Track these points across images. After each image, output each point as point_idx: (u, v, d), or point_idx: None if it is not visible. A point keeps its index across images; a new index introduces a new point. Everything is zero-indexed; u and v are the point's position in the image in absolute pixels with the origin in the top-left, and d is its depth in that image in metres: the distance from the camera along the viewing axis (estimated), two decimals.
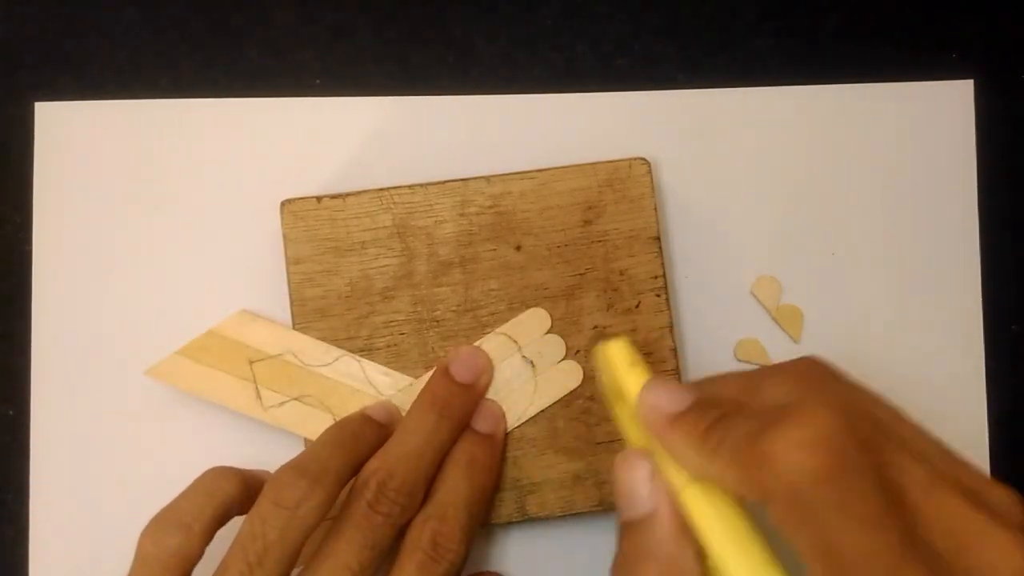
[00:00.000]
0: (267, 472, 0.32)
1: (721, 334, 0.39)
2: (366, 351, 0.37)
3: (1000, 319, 0.40)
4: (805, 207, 0.40)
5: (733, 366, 0.39)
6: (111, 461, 0.38)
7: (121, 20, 0.40)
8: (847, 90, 0.41)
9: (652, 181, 0.38)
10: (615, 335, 0.34)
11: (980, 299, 0.40)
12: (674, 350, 0.37)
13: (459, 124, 0.40)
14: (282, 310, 0.37)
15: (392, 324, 0.37)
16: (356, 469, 0.32)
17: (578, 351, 0.37)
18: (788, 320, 0.40)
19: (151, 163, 0.39)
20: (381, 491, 0.31)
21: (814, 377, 0.28)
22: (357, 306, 0.37)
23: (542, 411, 0.37)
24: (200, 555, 0.30)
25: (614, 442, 0.36)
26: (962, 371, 0.40)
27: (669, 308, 0.37)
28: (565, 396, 0.37)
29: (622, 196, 0.37)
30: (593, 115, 0.40)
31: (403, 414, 0.35)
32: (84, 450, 0.38)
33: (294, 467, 0.31)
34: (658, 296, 0.37)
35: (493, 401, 0.36)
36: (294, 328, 0.37)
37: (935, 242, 0.40)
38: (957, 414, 0.40)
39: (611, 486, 0.30)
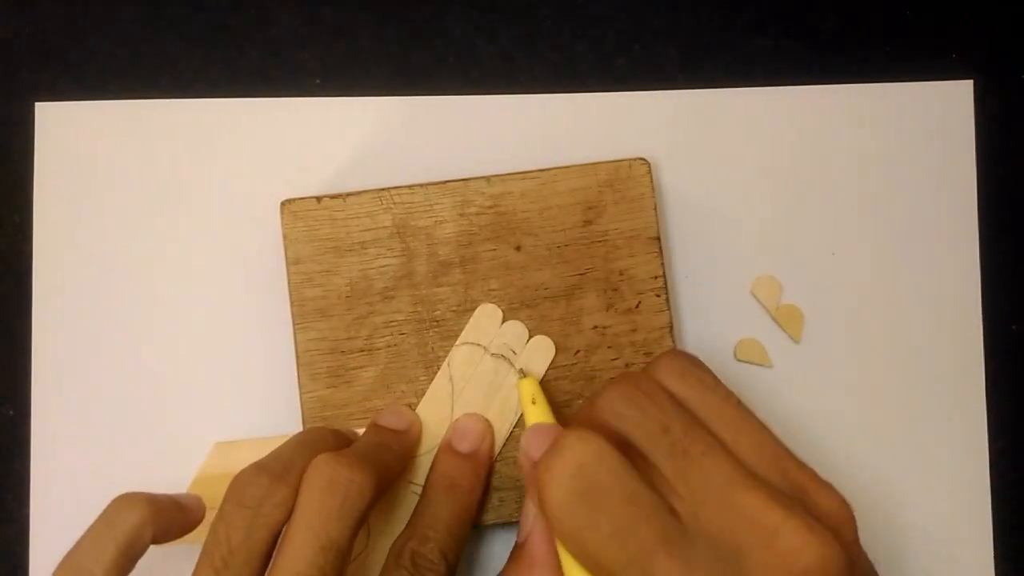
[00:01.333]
0: (179, 495, 0.32)
1: (721, 334, 0.39)
2: (366, 351, 0.37)
3: (1000, 319, 0.40)
4: (805, 207, 0.40)
5: (733, 366, 0.39)
6: (111, 461, 0.38)
7: (121, 20, 0.40)
8: (847, 90, 0.41)
9: (652, 181, 0.38)
10: (526, 376, 0.35)
11: (980, 299, 0.40)
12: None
13: (459, 124, 0.40)
14: (282, 310, 0.37)
15: (392, 324, 0.37)
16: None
17: (578, 351, 0.37)
18: (788, 320, 0.40)
19: (151, 163, 0.39)
20: (417, 562, 0.31)
21: (603, 394, 0.30)
22: (357, 306, 0.37)
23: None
24: None
25: None
26: (962, 371, 0.40)
27: (669, 308, 0.37)
28: (564, 397, 0.37)
29: (622, 196, 0.37)
30: (593, 115, 0.40)
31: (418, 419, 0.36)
32: (84, 450, 0.38)
33: (255, 466, 0.30)
34: (658, 296, 0.37)
35: (475, 416, 0.36)
36: (295, 328, 0.36)
37: (935, 242, 0.40)
38: (957, 414, 0.40)
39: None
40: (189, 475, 0.35)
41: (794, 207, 0.40)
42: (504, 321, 0.37)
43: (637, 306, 0.37)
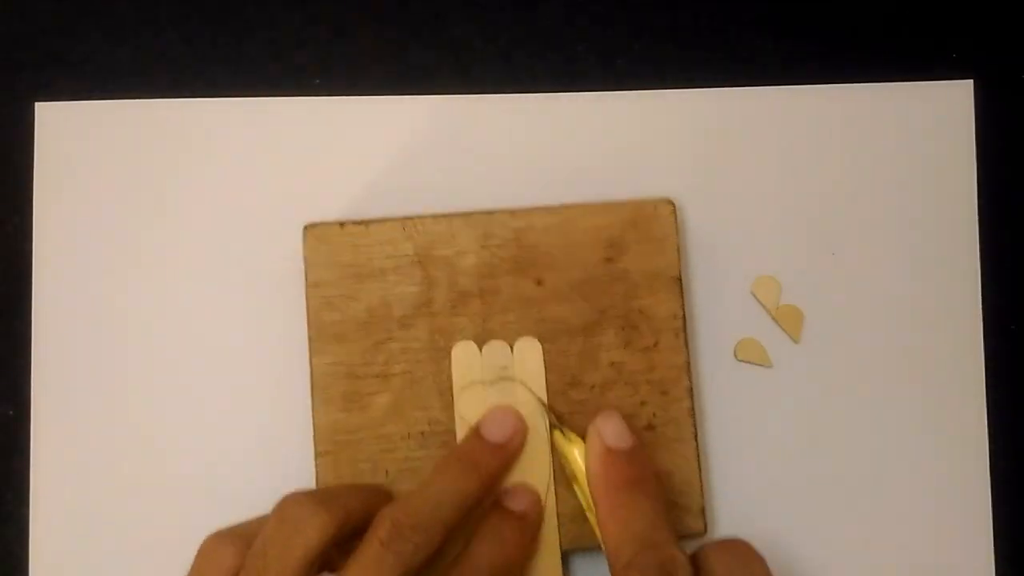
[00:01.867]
0: (264, 516, 0.32)
1: (721, 334, 0.39)
2: (381, 377, 0.36)
3: (1000, 319, 0.40)
4: (805, 207, 0.40)
5: (733, 366, 0.39)
6: (111, 461, 0.38)
7: (121, 20, 0.40)
8: (847, 90, 0.41)
9: (676, 222, 0.37)
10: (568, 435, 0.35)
11: (980, 299, 0.40)
12: (690, 389, 0.37)
13: (459, 124, 0.40)
14: (287, 319, 0.37)
15: (408, 351, 0.37)
16: (467, 509, 0.33)
17: (594, 386, 0.37)
18: (788, 320, 0.40)
19: (151, 163, 0.39)
20: (396, 529, 0.31)
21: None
22: (374, 332, 0.36)
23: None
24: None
25: None
26: (962, 371, 0.40)
27: (687, 348, 0.37)
28: (579, 432, 0.36)
29: (646, 236, 0.37)
30: (593, 115, 0.40)
31: (524, 421, 0.36)
32: (84, 450, 0.38)
33: (305, 492, 0.32)
34: (676, 336, 0.37)
35: (528, 484, 0.36)
36: (311, 351, 0.36)
37: (935, 242, 0.40)
38: (957, 414, 0.40)
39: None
40: (189, 474, 0.35)
41: (794, 207, 0.40)
42: (482, 347, 0.37)
43: (655, 344, 0.37)
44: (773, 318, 0.40)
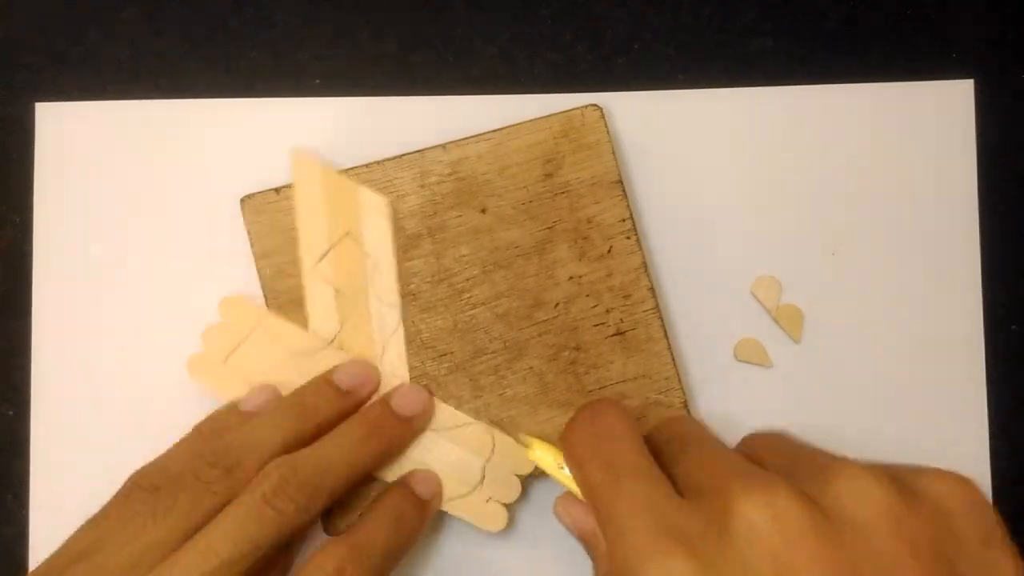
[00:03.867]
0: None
1: (721, 334, 0.39)
2: None
3: (1000, 319, 0.40)
4: (805, 207, 0.40)
5: (733, 366, 0.39)
6: (111, 461, 0.38)
7: (121, 20, 0.40)
8: (847, 90, 0.41)
9: (606, 126, 0.38)
10: (533, 443, 0.34)
11: (980, 299, 0.40)
12: (651, 289, 0.37)
13: (459, 124, 0.40)
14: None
15: None
16: (297, 447, 0.32)
17: (557, 304, 0.37)
18: (788, 320, 0.40)
19: (151, 163, 0.39)
20: (281, 484, 0.30)
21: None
22: None
23: (530, 368, 0.37)
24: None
25: (605, 388, 0.37)
26: (962, 371, 0.40)
27: (641, 248, 0.37)
28: (551, 351, 0.37)
29: (579, 145, 0.38)
30: None
31: (376, 370, 0.36)
32: (84, 450, 0.38)
33: (221, 444, 0.32)
34: (628, 238, 0.37)
35: (434, 474, 0.35)
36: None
37: (935, 242, 0.40)
38: (957, 414, 0.40)
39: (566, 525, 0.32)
40: None
41: (794, 207, 0.40)
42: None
43: (609, 251, 0.37)
44: (773, 318, 0.40)
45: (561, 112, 0.38)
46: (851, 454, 0.39)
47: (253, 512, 0.30)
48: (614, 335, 0.37)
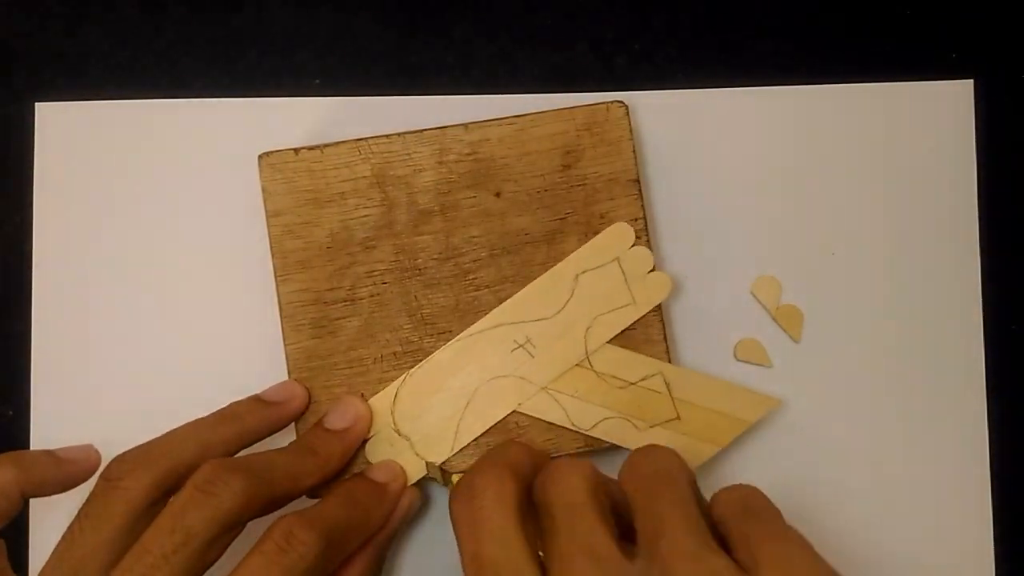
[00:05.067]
0: (72, 447, 0.33)
1: (721, 334, 0.39)
2: (349, 301, 0.37)
3: (1000, 319, 0.40)
4: (805, 207, 0.40)
5: (733, 366, 0.39)
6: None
7: (121, 20, 0.40)
8: (847, 90, 0.41)
9: (630, 124, 0.38)
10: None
11: (980, 299, 0.40)
12: None
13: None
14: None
15: (374, 274, 0.37)
16: (209, 450, 0.32)
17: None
18: (788, 320, 0.40)
19: (151, 163, 0.39)
20: (214, 471, 0.31)
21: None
22: (338, 257, 0.37)
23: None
24: None
25: None
26: (962, 371, 0.40)
27: (651, 250, 0.37)
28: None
29: (600, 140, 0.37)
30: None
31: (305, 392, 0.36)
32: None
33: (137, 447, 0.32)
34: (639, 238, 0.37)
35: (393, 462, 0.36)
36: (277, 280, 0.36)
37: (935, 242, 0.40)
38: (957, 414, 0.40)
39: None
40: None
41: (794, 207, 0.40)
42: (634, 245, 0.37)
43: None
44: (773, 318, 0.40)
45: (586, 105, 0.38)
46: (851, 454, 0.39)
47: (188, 501, 0.30)
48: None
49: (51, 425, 0.38)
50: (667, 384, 0.36)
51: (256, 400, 0.35)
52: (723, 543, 0.27)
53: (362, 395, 0.36)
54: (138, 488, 0.30)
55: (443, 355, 0.36)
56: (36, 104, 0.40)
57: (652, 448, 0.31)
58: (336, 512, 0.32)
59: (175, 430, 0.33)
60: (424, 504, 0.38)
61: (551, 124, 0.37)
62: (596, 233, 0.37)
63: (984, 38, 0.42)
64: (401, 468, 0.36)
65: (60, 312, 0.39)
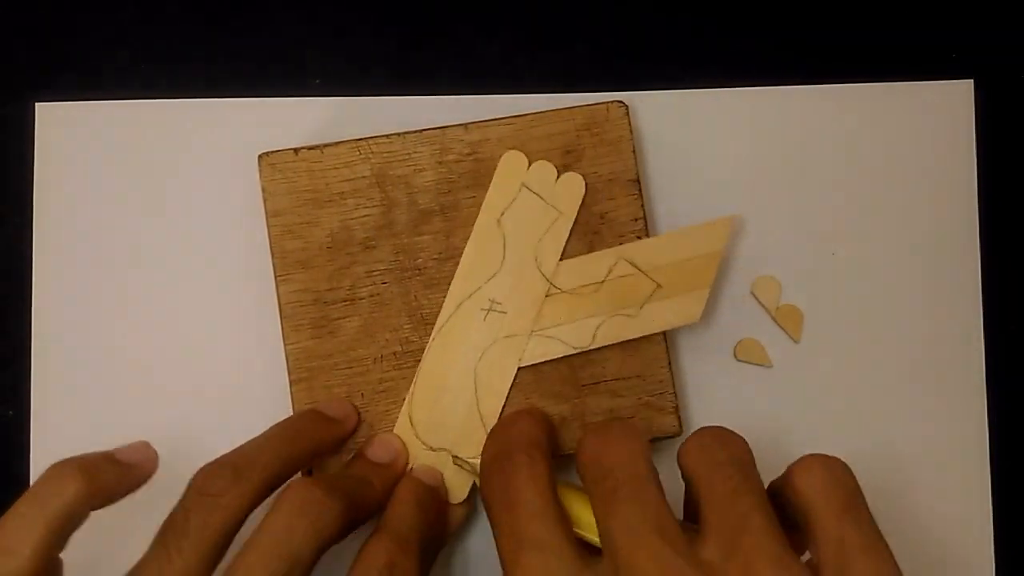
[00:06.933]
0: (129, 447, 0.31)
1: (721, 334, 0.39)
2: (349, 301, 0.37)
3: (1000, 319, 0.40)
4: (805, 207, 0.40)
5: (733, 366, 0.39)
6: None
7: (121, 20, 0.40)
8: (847, 90, 0.41)
9: (630, 124, 0.38)
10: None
11: (980, 299, 0.40)
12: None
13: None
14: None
15: (374, 274, 0.37)
16: (292, 464, 0.32)
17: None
18: (788, 320, 0.40)
19: (151, 163, 0.39)
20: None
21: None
22: (338, 257, 0.37)
23: None
24: (46, 570, 0.28)
25: (599, 384, 0.37)
26: (962, 371, 0.40)
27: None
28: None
29: (600, 140, 0.37)
30: None
31: (357, 412, 0.36)
32: (84, 450, 0.38)
33: (221, 460, 0.31)
34: (639, 238, 0.37)
35: (394, 437, 0.36)
36: (277, 280, 0.36)
37: (935, 242, 0.40)
38: (957, 414, 0.40)
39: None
40: (190, 474, 0.35)
41: (794, 207, 0.40)
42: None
43: None
44: (773, 318, 0.40)
45: (586, 105, 0.38)
46: (851, 455, 0.39)
47: (293, 524, 0.29)
48: None
49: (51, 425, 0.38)
50: (632, 263, 0.36)
51: (321, 416, 0.35)
52: (793, 524, 0.27)
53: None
54: (239, 504, 0.30)
55: (428, 361, 0.36)
56: (36, 104, 0.39)
57: (724, 433, 0.30)
58: (418, 521, 0.32)
59: (254, 442, 0.32)
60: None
61: (551, 124, 0.37)
62: (596, 233, 0.37)
63: (984, 38, 0.42)
64: (404, 446, 0.36)
65: (60, 312, 0.39)
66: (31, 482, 0.38)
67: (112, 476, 0.30)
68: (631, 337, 0.36)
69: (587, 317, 0.36)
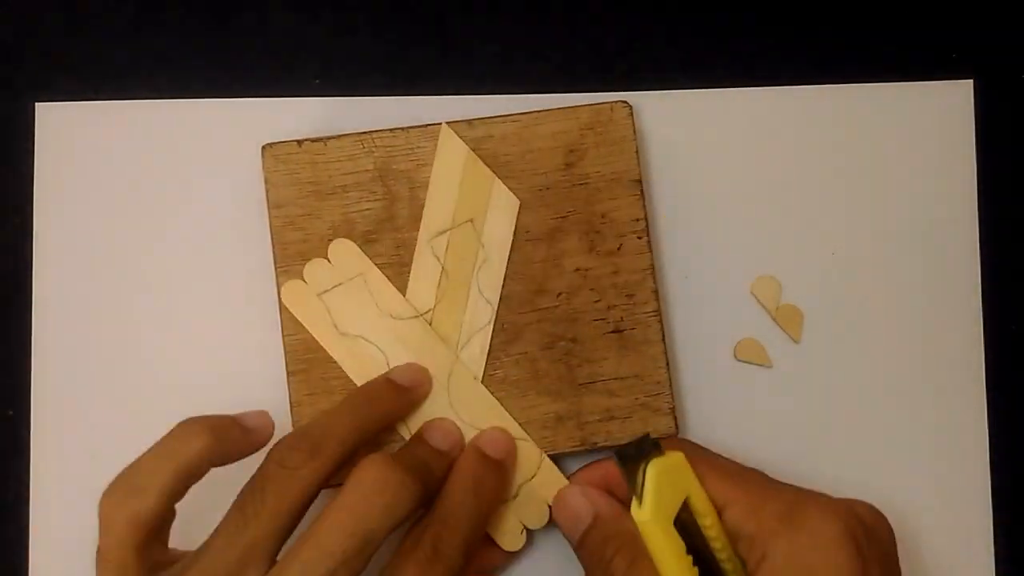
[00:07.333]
0: (251, 413, 0.33)
1: (721, 334, 0.39)
2: None
3: (1000, 319, 0.40)
4: (805, 207, 0.40)
5: (733, 366, 0.39)
6: (111, 462, 0.38)
7: (121, 20, 0.40)
8: (847, 90, 0.41)
9: (634, 124, 0.38)
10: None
11: (980, 299, 0.40)
12: (655, 292, 0.37)
13: None
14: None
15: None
16: (366, 436, 0.33)
17: (560, 293, 0.37)
18: (788, 320, 0.40)
19: (151, 163, 0.39)
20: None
21: None
22: None
23: (524, 352, 0.37)
24: (163, 517, 0.30)
25: (596, 383, 0.37)
26: (962, 371, 0.40)
27: (651, 250, 0.37)
28: (547, 339, 0.37)
29: (604, 139, 0.37)
30: None
31: (430, 376, 0.36)
32: (84, 450, 0.38)
33: (298, 432, 0.32)
34: (640, 238, 0.37)
35: (505, 431, 0.36)
36: (277, 272, 0.37)
37: (935, 242, 0.40)
38: (957, 414, 0.40)
39: (557, 521, 0.35)
40: None
41: (794, 207, 0.40)
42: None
43: (619, 248, 0.37)
44: (773, 318, 0.40)
45: (590, 104, 0.38)
46: (851, 455, 0.39)
47: (369, 502, 0.30)
48: (612, 332, 0.37)
49: (51, 425, 0.38)
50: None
51: (392, 383, 0.35)
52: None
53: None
54: (315, 475, 0.30)
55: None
56: (36, 104, 0.40)
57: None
58: (470, 506, 0.33)
59: (328, 412, 0.33)
60: None
61: (555, 122, 0.37)
62: (597, 232, 0.37)
63: (984, 38, 0.42)
64: (511, 440, 0.36)
65: (60, 312, 0.39)
66: (31, 484, 0.38)
67: (235, 438, 0.32)
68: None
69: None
